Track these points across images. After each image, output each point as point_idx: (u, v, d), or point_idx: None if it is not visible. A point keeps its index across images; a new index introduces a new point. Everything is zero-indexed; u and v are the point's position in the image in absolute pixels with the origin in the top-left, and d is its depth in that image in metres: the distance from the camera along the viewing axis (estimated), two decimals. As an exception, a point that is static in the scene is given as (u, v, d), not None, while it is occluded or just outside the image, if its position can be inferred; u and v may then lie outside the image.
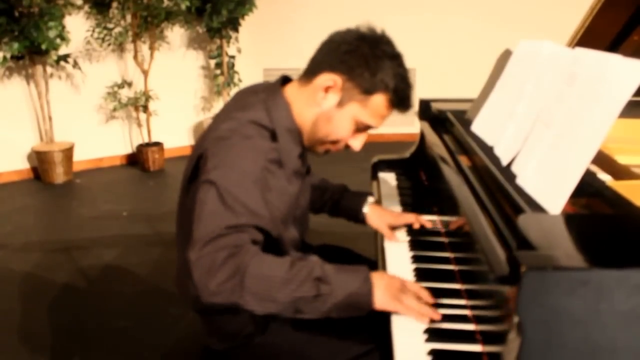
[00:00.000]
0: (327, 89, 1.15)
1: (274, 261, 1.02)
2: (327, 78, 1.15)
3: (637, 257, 0.76)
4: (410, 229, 1.47)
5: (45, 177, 4.27)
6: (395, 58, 1.16)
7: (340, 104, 1.16)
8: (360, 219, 1.53)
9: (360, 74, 1.13)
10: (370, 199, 1.54)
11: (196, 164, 1.15)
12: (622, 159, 1.25)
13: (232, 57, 4.87)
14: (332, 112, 1.16)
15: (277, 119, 1.17)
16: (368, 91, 1.14)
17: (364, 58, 1.13)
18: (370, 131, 1.23)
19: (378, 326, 1.25)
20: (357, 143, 1.22)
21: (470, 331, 1.01)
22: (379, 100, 1.15)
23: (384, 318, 1.09)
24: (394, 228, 1.48)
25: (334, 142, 1.21)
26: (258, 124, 1.14)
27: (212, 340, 1.33)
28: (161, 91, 4.64)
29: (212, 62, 4.94)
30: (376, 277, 1.06)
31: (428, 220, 1.47)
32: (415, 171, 1.90)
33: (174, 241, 1.37)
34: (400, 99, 1.17)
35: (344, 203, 1.55)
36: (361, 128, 1.20)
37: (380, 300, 1.04)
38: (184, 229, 1.25)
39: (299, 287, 0.99)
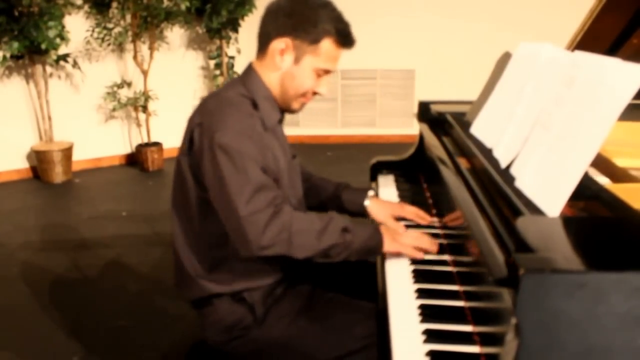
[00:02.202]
0: (281, 52, 1.31)
1: (307, 216, 1.25)
2: (278, 43, 1.30)
3: (635, 259, 0.76)
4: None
5: (45, 176, 4.27)
6: (327, 5, 1.31)
7: (297, 60, 1.31)
8: (362, 212, 1.58)
9: (304, 30, 1.28)
10: (371, 192, 1.60)
11: (191, 139, 1.27)
12: (620, 162, 1.25)
13: (232, 57, 4.88)
14: (292, 70, 1.32)
15: (254, 90, 1.33)
16: (315, 41, 1.29)
17: (301, 15, 1.29)
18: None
19: (376, 322, 1.26)
20: (323, 89, 1.37)
21: (468, 332, 1.02)
22: (327, 45, 1.30)
23: (383, 316, 1.09)
24: (397, 219, 1.53)
25: (304, 95, 1.36)
26: (240, 94, 1.31)
27: (209, 333, 1.36)
28: (161, 91, 4.65)
29: (212, 63, 4.94)
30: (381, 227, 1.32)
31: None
32: (415, 173, 1.90)
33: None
34: (344, 37, 1.32)
35: (345, 198, 1.60)
36: (321, 74, 1.34)
37: (385, 244, 1.28)
38: (181, 208, 1.35)
39: (331, 236, 1.22)
